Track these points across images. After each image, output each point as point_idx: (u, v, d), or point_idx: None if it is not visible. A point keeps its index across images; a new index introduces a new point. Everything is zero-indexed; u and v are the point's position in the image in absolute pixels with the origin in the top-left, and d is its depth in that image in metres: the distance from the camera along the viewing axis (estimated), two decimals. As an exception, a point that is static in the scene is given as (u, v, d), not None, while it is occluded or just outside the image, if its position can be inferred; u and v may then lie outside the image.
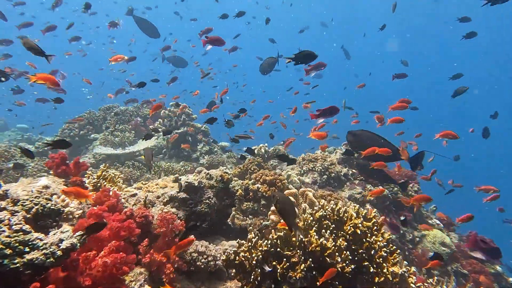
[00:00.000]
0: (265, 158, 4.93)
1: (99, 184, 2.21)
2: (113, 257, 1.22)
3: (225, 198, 2.72)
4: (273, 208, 2.69)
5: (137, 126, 6.77)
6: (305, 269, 1.93)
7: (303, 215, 2.20)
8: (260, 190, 3.06)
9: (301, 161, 4.38)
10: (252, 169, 4.43)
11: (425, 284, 2.36)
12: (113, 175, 2.41)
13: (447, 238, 3.76)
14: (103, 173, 2.33)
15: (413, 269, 2.36)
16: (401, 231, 3.59)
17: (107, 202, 1.91)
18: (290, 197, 2.69)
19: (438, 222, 4.04)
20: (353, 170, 4.26)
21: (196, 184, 2.61)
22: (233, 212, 3.13)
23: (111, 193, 1.98)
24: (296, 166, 4.48)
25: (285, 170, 4.21)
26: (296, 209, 2.57)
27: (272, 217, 2.63)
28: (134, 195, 2.32)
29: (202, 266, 2.17)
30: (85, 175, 2.25)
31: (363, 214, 2.39)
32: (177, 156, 6.28)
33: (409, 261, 3.47)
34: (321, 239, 2.01)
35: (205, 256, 2.20)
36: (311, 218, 2.18)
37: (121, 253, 1.28)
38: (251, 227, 2.76)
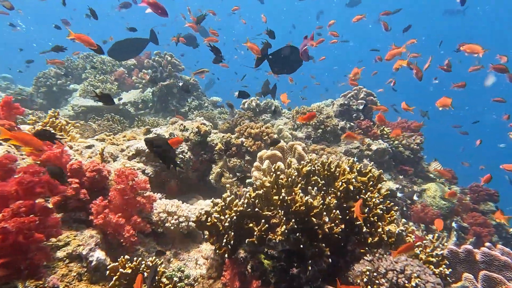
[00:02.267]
0: (256, 112, 4.54)
1: (45, 134, 1.85)
2: (17, 222, 0.91)
3: (203, 153, 2.38)
4: (256, 163, 2.38)
5: (121, 77, 6.24)
6: (286, 231, 1.66)
7: (287, 170, 1.88)
8: (244, 144, 2.73)
9: (295, 114, 4.00)
10: (242, 124, 4.06)
11: (423, 242, 2.16)
12: (65, 123, 2.05)
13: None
14: (51, 119, 1.96)
15: (411, 227, 2.13)
16: (400, 186, 3.34)
17: (47, 152, 1.57)
18: (276, 152, 2.36)
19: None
20: (351, 123, 3.90)
21: (167, 136, 2.26)
22: (218, 169, 2.84)
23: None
24: (290, 120, 4.11)
25: (277, 124, 3.84)
26: (282, 164, 2.26)
27: (255, 173, 2.32)
28: (90, 146, 1.97)
29: (172, 227, 1.91)
30: (28, 121, 1.90)
31: (357, 168, 2.08)
32: (164, 110, 5.87)
33: (408, 217, 3.27)
34: (307, 197, 1.72)
35: (175, 217, 1.93)
36: (296, 173, 1.86)
37: (32, 216, 0.97)
38: (230, 185, 2.47)
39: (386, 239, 1.80)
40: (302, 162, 2.03)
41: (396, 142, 3.63)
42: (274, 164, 2.16)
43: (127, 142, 2.33)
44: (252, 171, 2.46)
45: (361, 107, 3.96)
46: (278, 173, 1.90)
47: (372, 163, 3.38)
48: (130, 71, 6.54)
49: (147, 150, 2.19)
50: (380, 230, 1.81)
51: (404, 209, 3.33)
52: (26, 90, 5.47)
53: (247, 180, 2.64)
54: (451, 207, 3.52)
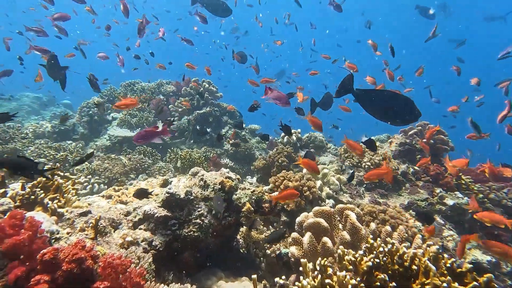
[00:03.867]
0: (297, 147, 3.99)
1: (32, 197, 1.51)
2: None
3: (227, 215, 1.89)
4: (294, 234, 1.81)
5: (158, 105, 6.17)
6: None
7: (335, 273, 1.28)
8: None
9: (343, 153, 3.36)
10: (280, 161, 3.54)
11: None
12: (63, 181, 1.70)
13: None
14: (44, 179, 1.62)
15: None
16: (494, 259, 2.48)
17: (12, 239, 1.19)
18: (321, 221, 1.77)
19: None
20: (415, 167, 3.14)
21: (182, 196, 1.81)
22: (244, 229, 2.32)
23: (25, 220, 1.26)
24: (336, 160, 3.47)
25: (321, 166, 3.23)
26: (329, 241, 1.65)
27: (293, 249, 1.75)
28: (86, 213, 1.59)
29: (177, 332, 1.41)
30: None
31: (448, 264, 1.40)
32: (200, 140, 5.60)
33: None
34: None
35: (182, 315, 1.43)
36: (348, 277, 1.25)
37: None
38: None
39: None
40: (363, 250, 1.41)
41: (481, 195, 2.79)
42: (318, 244, 1.57)
43: (137, 200, 1.92)
44: (288, 243, 1.89)
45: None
46: (325, 265, 1.32)
47: (448, 225, 2.59)
48: (169, 98, 6.48)
49: (158, 214, 1.76)
50: None
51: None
52: (70, 120, 5.61)
53: (283, 250, 2.08)
54: None
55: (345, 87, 1.52)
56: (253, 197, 2.08)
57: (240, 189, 2.04)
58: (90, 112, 5.72)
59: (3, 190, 1.46)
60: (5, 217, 1.24)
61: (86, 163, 4.12)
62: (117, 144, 5.14)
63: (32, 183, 1.58)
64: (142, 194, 1.71)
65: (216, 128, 5.76)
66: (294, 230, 2.23)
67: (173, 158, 4.61)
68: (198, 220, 1.82)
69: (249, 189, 2.11)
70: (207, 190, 1.90)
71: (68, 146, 4.43)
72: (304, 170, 3.26)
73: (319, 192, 2.31)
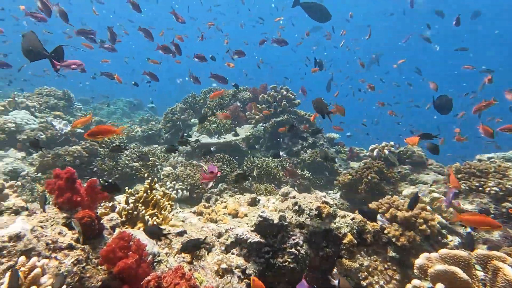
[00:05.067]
0: (389, 162, 3.49)
1: (135, 213, 1.49)
2: None
3: (324, 246, 1.63)
4: (417, 282, 1.45)
5: (235, 111, 6.26)
6: None
7: None
8: (387, 232, 1.83)
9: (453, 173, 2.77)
10: (369, 178, 3.13)
11: None
12: (161, 195, 1.67)
13: None
14: (145, 194, 1.61)
15: None
16: None
17: (123, 261, 1.14)
18: (458, 271, 1.37)
19: None
20: None
21: (276, 221, 1.62)
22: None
23: (132, 242, 1.21)
24: (442, 180, 2.90)
25: (425, 187, 2.71)
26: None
27: (415, 302, 1.39)
28: (181, 234, 1.52)
29: None
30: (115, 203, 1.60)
31: None
32: (275, 148, 5.47)
33: None
34: None
35: None
36: None
37: None
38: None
39: None
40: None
41: None
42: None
43: (227, 219, 1.81)
44: (405, 290, 1.52)
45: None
46: None
47: None
48: (244, 105, 6.53)
49: (251, 239, 1.60)
50: None
51: None
52: (156, 125, 6.09)
53: (392, 296, 1.72)
54: None
55: None
56: (354, 227, 1.77)
57: (339, 216, 1.76)
58: (174, 117, 6.12)
59: (111, 204, 1.47)
60: (114, 236, 1.21)
61: (171, 168, 4.34)
62: (196, 149, 5.34)
63: (134, 198, 1.58)
64: (154, 232, 1.41)
65: (293, 136, 5.55)
66: (405, 271, 1.85)
67: (250, 166, 4.56)
68: (293, 250, 1.60)
69: (348, 216, 1.81)
70: (302, 216, 1.68)
71: (156, 151, 4.75)
72: (404, 192, 2.79)
73: (438, 225, 1.86)
